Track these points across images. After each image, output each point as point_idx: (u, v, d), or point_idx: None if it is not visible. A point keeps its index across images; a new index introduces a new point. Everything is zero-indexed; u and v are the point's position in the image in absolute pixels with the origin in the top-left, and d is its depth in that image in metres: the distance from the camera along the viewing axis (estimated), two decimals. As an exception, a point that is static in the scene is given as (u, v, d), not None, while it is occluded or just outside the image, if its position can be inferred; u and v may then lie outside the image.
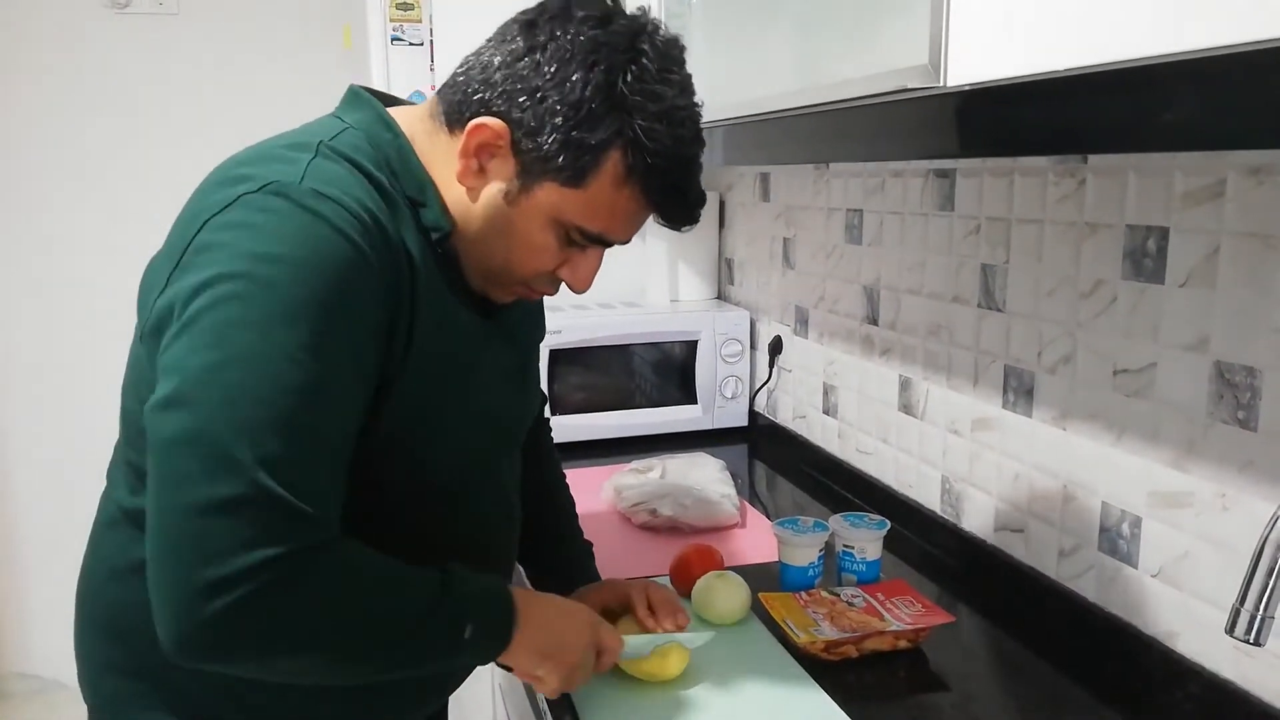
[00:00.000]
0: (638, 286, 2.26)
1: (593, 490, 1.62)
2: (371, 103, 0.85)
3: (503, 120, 0.80)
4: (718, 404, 2.02)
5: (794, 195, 1.85)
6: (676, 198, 0.84)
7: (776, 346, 1.96)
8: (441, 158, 0.83)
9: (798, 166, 1.82)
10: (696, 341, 1.99)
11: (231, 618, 0.68)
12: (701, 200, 0.87)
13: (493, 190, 0.82)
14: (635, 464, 1.64)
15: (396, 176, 0.82)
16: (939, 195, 1.40)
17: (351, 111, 0.85)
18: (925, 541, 1.44)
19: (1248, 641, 0.64)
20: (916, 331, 1.48)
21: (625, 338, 1.97)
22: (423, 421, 0.84)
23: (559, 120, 0.78)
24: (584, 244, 0.85)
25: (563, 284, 0.90)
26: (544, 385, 1.90)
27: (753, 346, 2.06)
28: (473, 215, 0.84)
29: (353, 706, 0.89)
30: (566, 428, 1.92)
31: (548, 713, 0.99)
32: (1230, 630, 0.64)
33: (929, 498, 1.47)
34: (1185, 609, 1.02)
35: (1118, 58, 0.58)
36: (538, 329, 1.08)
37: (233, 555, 0.68)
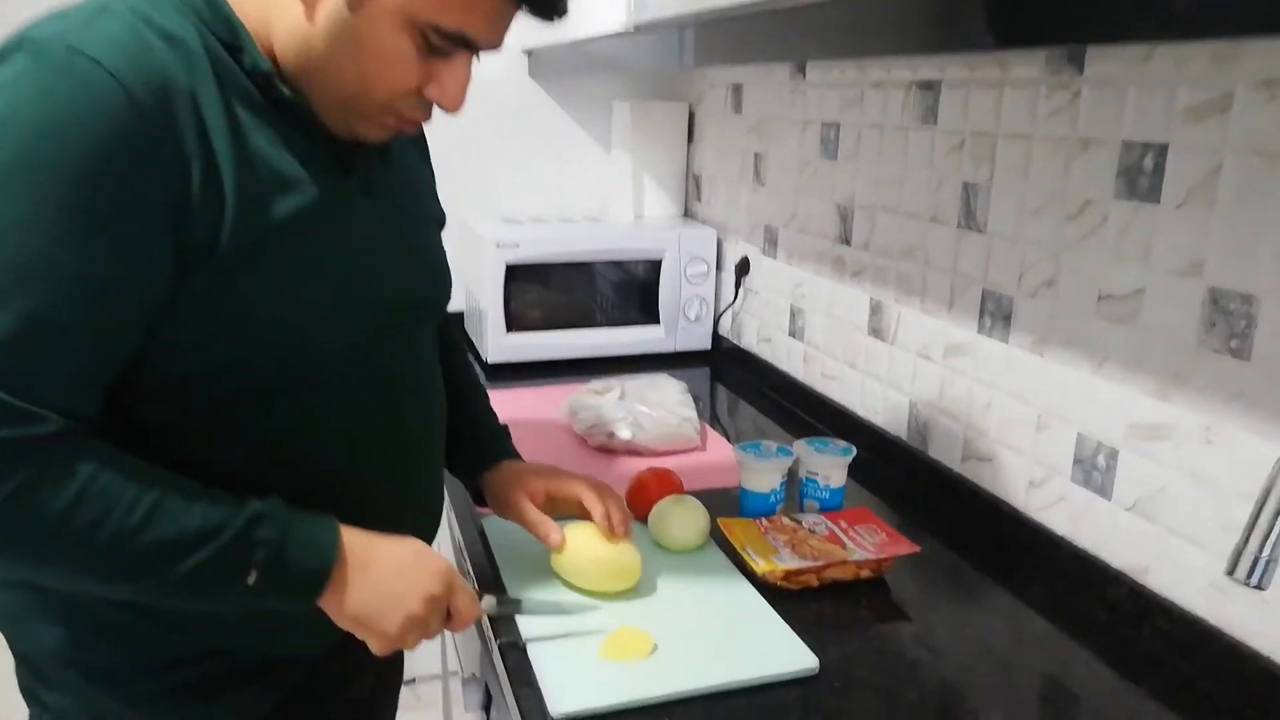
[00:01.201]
0: (600, 201, 2.17)
1: (549, 411, 1.56)
2: None
3: None
4: (681, 325, 1.96)
5: (767, 107, 1.76)
6: None
7: (743, 267, 1.89)
8: None
9: (772, 76, 1.73)
10: (660, 260, 1.92)
11: None
12: None
13: (333, 2, 0.73)
14: (593, 384, 1.58)
15: (205, 23, 0.74)
16: (921, 108, 1.32)
17: None
18: (891, 469, 1.41)
19: (1247, 585, 0.59)
20: (890, 253, 1.42)
21: (586, 254, 1.89)
22: (268, 297, 0.75)
23: None
24: (445, 48, 0.75)
25: (434, 106, 0.80)
26: (499, 301, 1.82)
27: (719, 267, 1.99)
28: (315, 39, 0.74)
29: (254, 613, 0.83)
30: (523, 346, 1.86)
31: (494, 644, 0.94)
32: (1231, 572, 0.60)
33: (896, 424, 1.43)
34: (1159, 543, 0.99)
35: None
36: (426, 205, 0.98)
37: None
